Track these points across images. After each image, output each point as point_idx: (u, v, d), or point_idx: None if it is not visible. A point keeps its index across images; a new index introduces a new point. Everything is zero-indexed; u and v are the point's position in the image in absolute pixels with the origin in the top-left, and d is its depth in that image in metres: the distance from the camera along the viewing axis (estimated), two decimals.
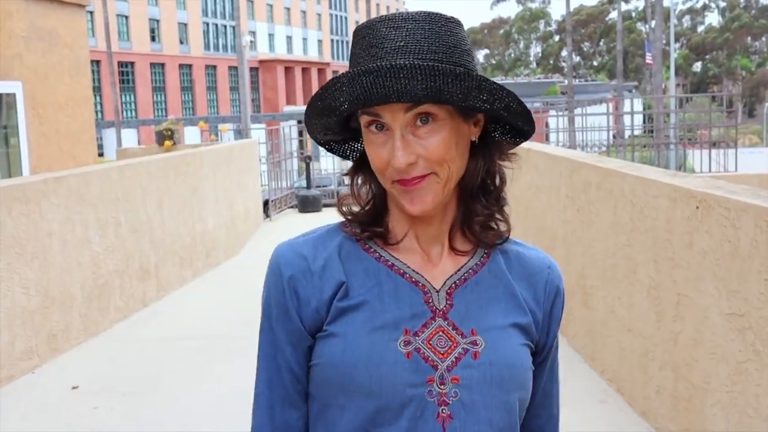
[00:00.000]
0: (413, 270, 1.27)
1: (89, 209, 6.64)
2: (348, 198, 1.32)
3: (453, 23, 1.22)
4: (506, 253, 1.33)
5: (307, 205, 14.68)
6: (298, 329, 1.26)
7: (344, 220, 1.32)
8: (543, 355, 1.35)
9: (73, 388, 5.45)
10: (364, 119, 1.21)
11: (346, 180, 1.35)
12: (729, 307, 3.40)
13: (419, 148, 1.18)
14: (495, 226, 1.30)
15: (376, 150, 1.21)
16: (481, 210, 1.28)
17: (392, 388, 1.20)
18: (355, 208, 1.30)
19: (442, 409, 1.21)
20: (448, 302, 1.25)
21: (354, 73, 1.15)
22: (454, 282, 1.27)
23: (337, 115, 1.24)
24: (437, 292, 1.26)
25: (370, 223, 1.29)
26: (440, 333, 1.23)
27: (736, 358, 3.35)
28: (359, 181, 1.30)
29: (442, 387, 1.21)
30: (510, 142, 1.31)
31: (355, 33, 1.24)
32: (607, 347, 5.05)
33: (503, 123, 1.29)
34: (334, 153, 1.37)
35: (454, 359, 1.22)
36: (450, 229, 1.29)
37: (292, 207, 15.15)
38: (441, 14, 1.22)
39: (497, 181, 1.29)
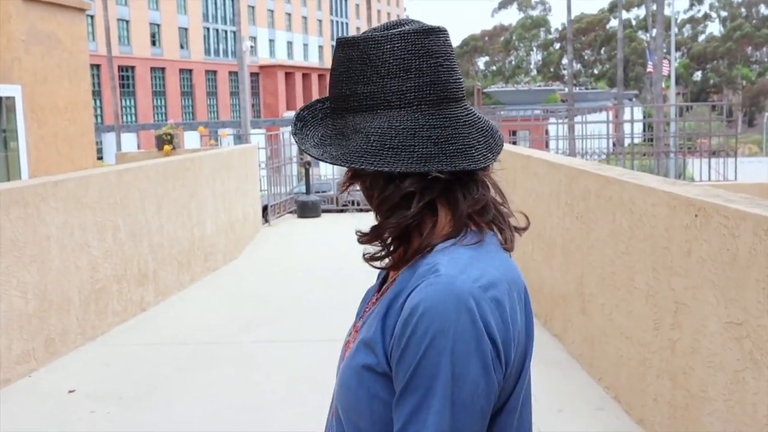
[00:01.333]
0: (377, 286, 1.39)
1: (88, 213, 6.64)
2: None
3: (348, 46, 1.25)
4: (405, 273, 1.23)
5: (306, 210, 14.67)
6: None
7: None
8: (397, 388, 1.14)
9: (70, 392, 5.43)
10: None
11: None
12: (727, 315, 3.40)
13: None
14: (385, 244, 1.27)
15: None
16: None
17: None
18: None
19: (334, 402, 1.30)
20: (363, 318, 1.34)
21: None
22: (380, 295, 1.32)
23: None
24: (367, 305, 1.37)
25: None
26: (351, 336, 1.34)
27: (734, 366, 3.34)
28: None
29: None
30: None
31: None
32: (605, 355, 5.05)
33: None
34: None
35: (339, 364, 1.34)
36: (384, 246, 1.31)
37: (291, 212, 15.13)
38: (340, 40, 1.27)
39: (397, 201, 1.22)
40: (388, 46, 1.21)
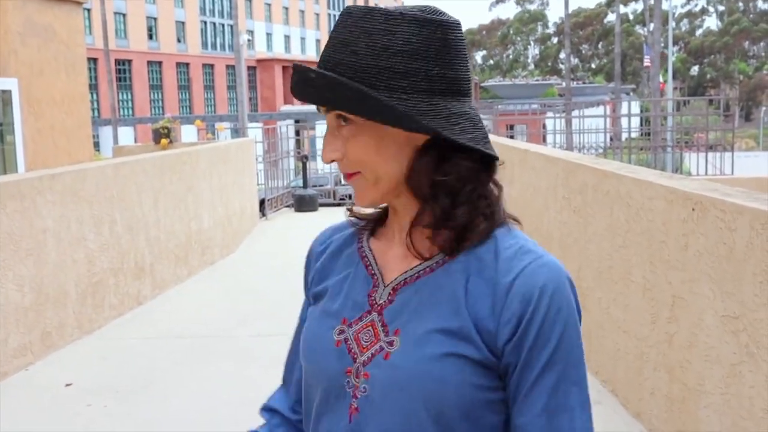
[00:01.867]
0: (376, 263, 1.30)
1: (84, 206, 6.63)
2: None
3: (395, 20, 1.17)
4: (477, 257, 1.22)
5: (303, 204, 14.67)
6: (307, 297, 1.41)
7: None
8: (515, 375, 1.17)
9: (67, 385, 5.43)
10: None
11: (342, 180, 1.42)
12: (724, 309, 3.40)
13: (342, 148, 1.22)
14: (454, 228, 1.22)
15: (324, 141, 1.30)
16: (431, 213, 1.23)
17: (321, 371, 1.28)
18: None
19: (353, 401, 1.23)
20: (389, 298, 1.25)
21: (295, 67, 1.22)
22: (404, 279, 1.25)
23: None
24: (384, 287, 1.27)
25: (361, 222, 1.37)
26: (369, 328, 1.24)
27: (730, 360, 3.34)
28: None
29: (356, 380, 1.23)
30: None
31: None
32: (602, 348, 5.05)
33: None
34: None
35: (370, 355, 1.23)
36: (410, 231, 1.26)
37: (288, 206, 15.13)
38: (384, 11, 1.18)
39: (457, 183, 1.21)
40: (459, 33, 1.22)
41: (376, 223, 1.35)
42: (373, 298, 1.27)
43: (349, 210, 1.36)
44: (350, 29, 1.18)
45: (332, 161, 1.22)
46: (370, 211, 1.34)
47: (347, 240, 1.37)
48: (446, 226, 1.22)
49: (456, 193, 1.21)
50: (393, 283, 1.26)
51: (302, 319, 1.41)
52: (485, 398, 1.18)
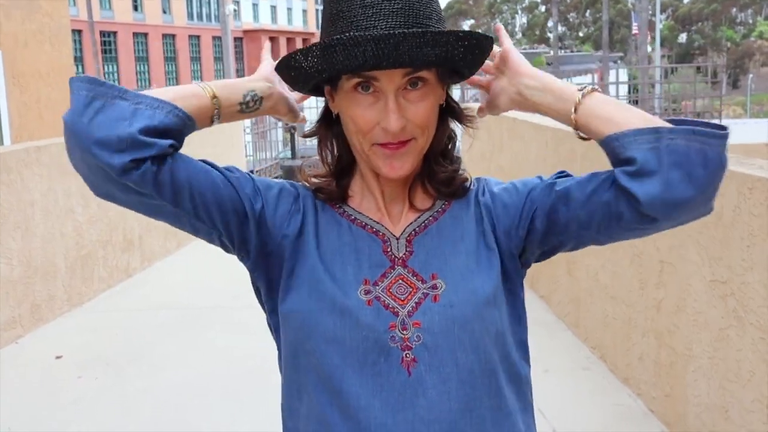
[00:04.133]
0: (374, 221, 1.31)
1: (72, 179, 6.59)
2: (309, 170, 1.39)
3: None
4: (476, 194, 1.37)
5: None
6: (255, 212, 1.31)
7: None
8: (541, 209, 1.33)
9: (57, 358, 5.43)
10: (350, 81, 1.22)
11: None
12: (711, 274, 3.42)
13: (409, 113, 1.21)
14: (454, 184, 1.34)
15: (363, 111, 1.22)
16: (442, 170, 1.32)
17: (355, 335, 1.24)
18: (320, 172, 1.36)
19: (406, 354, 1.24)
20: (408, 249, 1.29)
21: (367, 40, 1.13)
22: (414, 230, 1.31)
23: (340, 74, 1.23)
24: (397, 240, 1.30)
25: (333, 186, 1.35)
26: (400, 281, 1.27)
27: (718, 324, 3.37)
28: (330, 145, 1.35)
29: (404, 332, 1.24)
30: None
31: None
32: (590, 315, 5.08)
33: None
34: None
35: (414, 305, 1.25)
36: (412, 192, 1.33)
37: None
38: None
39: (451, 141, 1.35)
40: None
41: (338, 195, 1.35)
42: (390, 253, 1.28)
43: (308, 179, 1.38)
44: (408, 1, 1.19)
45: (402, 128, 1.21)
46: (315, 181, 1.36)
47: (311, 208, 1.35)
48: (449, 182, 1.33)
49: (452, 155, 1.35)
50: (405, 235, 1.30)
51: (226, 170, 1.36)
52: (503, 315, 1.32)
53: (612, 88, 20.06)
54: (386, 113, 1.20)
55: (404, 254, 1.29)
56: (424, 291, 1.26)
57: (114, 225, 7.31)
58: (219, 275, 7.68)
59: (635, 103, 21.09)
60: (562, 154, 5.63)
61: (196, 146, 7.70)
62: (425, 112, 1.22)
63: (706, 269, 3.47)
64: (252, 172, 13.52)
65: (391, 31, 1.14)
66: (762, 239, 3.03)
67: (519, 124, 6.92)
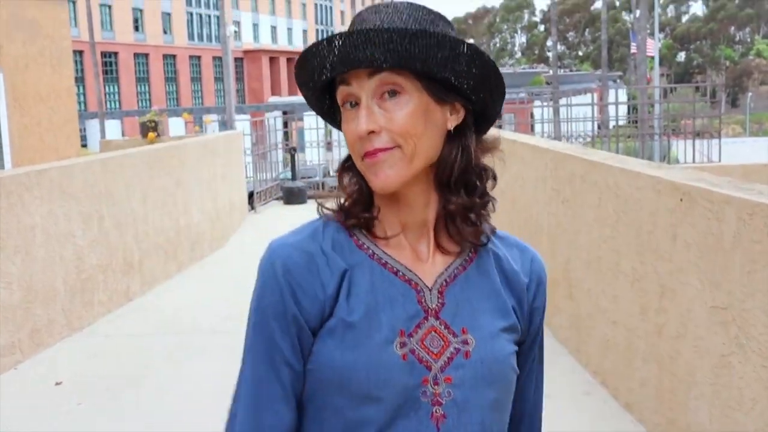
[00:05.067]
0: (406, 267, 1.27)
1: (72, 203, 6.59)
2: (328, 199, 1.33)
3: (435, 15, 1.25)
4: (491, 251, 1.33)
5: (292, 196, 14.64)
6: (300, 324, 1.23)
7: (327, 214, 1.32)
8: (527, 344, 1.37)
9: (57, 383, 5.41)
10: (340, 95, 1.24)
11: (332, 171, 1.39)
12: (712, 299, 3.41)
13: (383, 119, 1.20)
14: (475, 222, 1.29)
15: (348, 126, 1.23)
16: (459, 203, 1.26)
17: (389, 390, 1.21)
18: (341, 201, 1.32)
19: (436, 409, 1.22)
20: (440, 301, 1.26)
21: (323, 42, 1.20)
22: (445, 280, 1.28)
23: (313, 85, 1.27)
24: (429, 290, 1.26)
25: (360, 211, 1.29)
26: (433, 333, 1.24)
27: (720, 350, 3.36)
28: (346, 180, 1.31)
29: (435, 387, 1.22)
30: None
31: (351, 21, 1.28)
32: (591, 339, 5.07)
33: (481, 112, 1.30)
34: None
35: (446, 359, 1.23)
36: (435, 225, 1.29)
37: (277, 199, 15.10)
38: (427, 7, 1.26)
39: (478, 175, 1.28)
40: None
41: (369, 219, 1.29)
42: (424, 303, 1.25)
43: (325, 207, 1.33)
44: (392, 16, 1.22)
45: (371, 132, 1.20)
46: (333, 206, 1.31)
47: (337, 245, 1.27)
48: (471, 220, 1.28)
49: (482, 191, 1.29)
50: (437, 285, 1.27)
51: (277, 349, 1.24)
52: (517, 370, 1.34)
53: (611, 108, 20.12)
54: (357, 119, 1.20)
55: (437, 305, 1.26)
56: (456, 345, 1.24)
57: (114, 248, 7.30)
58: (219, 299, 7.67)
59: (635, 123, 21.13)
60: (562, 177, 5.64)
61: (196, 168, 7.67)
62: (403, 119, 1.19)
63: (707, 295, 3.46)
64: (252, 193, 13.52)
65: (357, 31, 1.18)
66: (763, 266, 3.02)
67: (518, 146, 6.93)
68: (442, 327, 1.25)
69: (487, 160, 1.32)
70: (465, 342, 1.24)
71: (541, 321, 1.40)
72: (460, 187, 1.27)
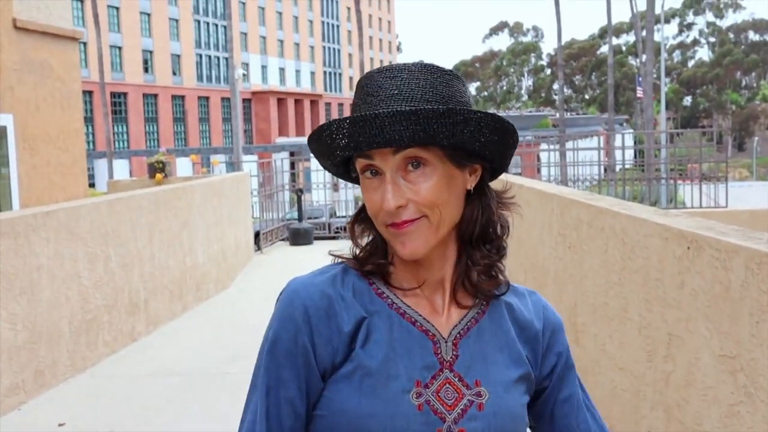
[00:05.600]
0: (424, 318, 1.29)
1: (79, 243, 6.61)
2: (344, 253, 1.35)
3: (449, 75, 1.26)
4: (503, 301, 1.36)
5: (298, 237, 14.66)
6: (311, 367, 1.24)
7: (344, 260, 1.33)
8: (549, 390, 1.38)
9: (60, 425, 5.38)
10: (359, 164, 1.24)
11: (338, 212, 1.40)
12: (721, 348, 3.39)
13: (409, 192, 1.21)
14: (494, 275, 1.33)
15: (371, 195, 1.24)
16: (480, 258, 1.30)
17: None
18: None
19: None
20: (454, 353, 1.28)
21: (345, 121, 1.19)
22: (459, 332, 1.30)
23: (332, 159, 1.27)
24: (445, 342, 1.28)
25: (376, 258, 1.31)
26: (447, 385, 1.26)
27: (728, 400, 3.32)
28: (359, 231, 1.33)
29: None
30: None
31: (357, 84, 1.28)
32: (598, 386, 5.02)
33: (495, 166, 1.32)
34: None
35: (460, 411, 1.25)
36: (455, 279, 1.31)
37: (283, 239, 15.11)
38: (439, 67, 1.26)
39: (498, 230, 1.32)
40: None
41: (385, 267, 1.30)
42: (440, 355, 1.27)
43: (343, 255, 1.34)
44: (409, 82, 1.22)
45: (399, 207, 1.20)
46: (347, 255, 1.32)
47: (357, 292, 1.28)
48: (489, 274, 1.32)
49: (499, 245, 1.33)
50: (451, 337, 1.29)
51: (283, 387, 1.25)
52: (527, 422, 1.36)
53: (618, 152, 20.18)
54: (383, 194, 1.21)
55: (451, 357, 1.27)
56: (470, 398, 1.26)
57: (120, 289, 7.30)
58: (224, 340, 7.65)
59: (642, 167, 21.17)
60: (568, 222, 5.64)
61: (202, 209, 7.71)
62: (427, 191, 1.21)
63: (715, 343, 3.43)
64: (258, 233, 13.54)
65: (371, 112, 1.18)
66: None
67: (525, 191, 6.95)
68: (456, 379, 1.26)
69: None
70: (478, 394, 1.26)
71: (567, 365, 1.41)
72: (480, 242, 1.30)
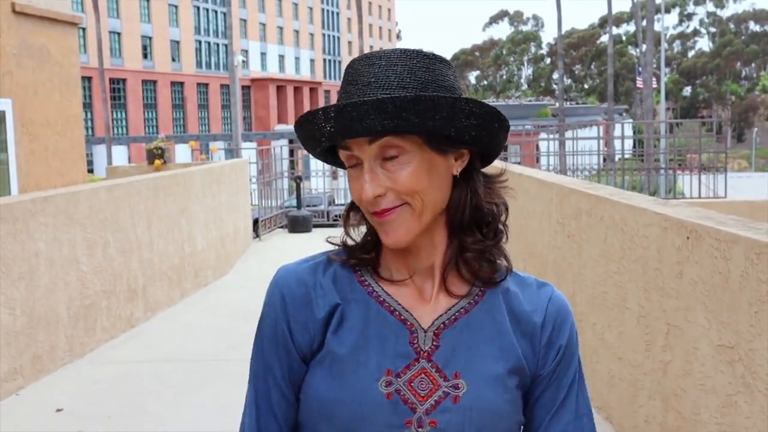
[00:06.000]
0: (403, 308, 1.27)
1: (77, 229, 6.60)
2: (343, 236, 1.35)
3: (430, 59, 1.24)
4: (504, 291, 1.31)
5: (297, 225, 14.65)
6: (291, 352, 1.27)
7: (336, 249, 1.33)
8: (543, 385, 1.30)
9: (58, 410, 5.39)
10: (341, 155, 1.25)
11: (337, 200, 1.39)
12: (719, 338, 3.39)
13: (387, 181, 1.20)
14: (491, 260, 1.29)
15: (353, 184, 1.24)
16: (472, 243, 1.26)
17: (371, 427, 1.22)
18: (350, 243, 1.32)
19: None
20: (435, 343, 1.25)
21: (319, 112, 1.20)
22: (443, 322, 1.26)
23: (316, 148, 1.28)
24: (425, 332, 1.26)
25: (362, 253, 1.30)
26: (422, 375, 1.24)
27: (726, 390, 3.33)
28: (355, 219, 1.32)
29: (419, 429, 1.22)
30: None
31: (345, 70, 1.28)
32: (596, 375, 5.03)
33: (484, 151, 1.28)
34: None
35: (433, 402, 1.22)
36: (445, 266, 1.28)
37: (281, 227, 15.10)
38: (420, 51, 1.24)
39: (492, 214, 1.28)
40: None
41: (371, 261, 1.30)
42: (416, 345, 1.25)
43: (342, 243, 1.33)
44: (386, 69, 1.21)
45: (378, 197, 1.20)
46: (349, 242, 1.31)
47: (338, 280, 1.29)
48: (485, 259, 1.28)
49: (495, 229, 1.29)
50: (433, 327, 1.26)
51: (270, 372, 1.29)
52: (519, 419, 1.29)
53: (617, 142, 20.16)
54: (362, 183, 1.21)
55: (430, 348, 1.25)
56: (445, 389, 1.23)
57: (118, 275, 7.30)
58: (221, 327, 7.65)
59: (641, 157, 21.16)
60: (568, 211, 5.63)
61: (201, 195, 7.71)
62: (404, 179, 1.19)
63: (714, 333, 3.44)
64: (257, 221, 13.52)
65: (348, 101, 1.17)
66: None
67: (524, 179, 6.94)
68: (433, 370, 1.24)
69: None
70: (456, 387, 1.23)
71: (565, 361, 1.31)
72: (473, 227, 1.27)
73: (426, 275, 1.28)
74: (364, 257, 1.29)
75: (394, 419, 1.22)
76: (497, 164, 1.37)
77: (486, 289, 1.29)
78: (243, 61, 33.93)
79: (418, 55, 1.23)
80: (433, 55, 1.25)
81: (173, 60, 69.08)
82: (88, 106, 54.84)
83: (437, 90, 1.21)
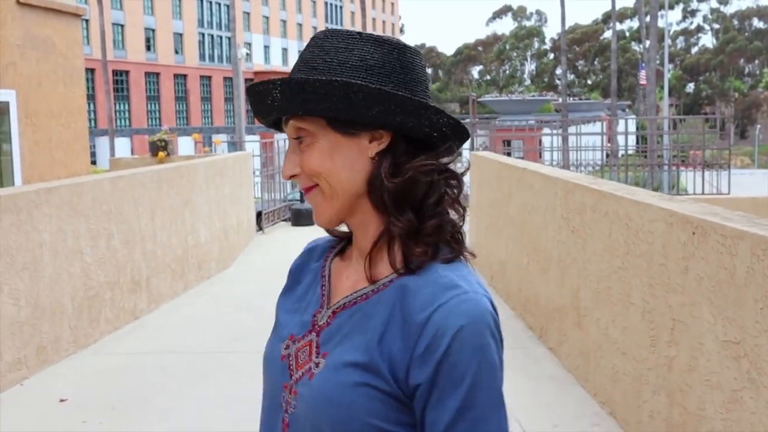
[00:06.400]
0: (330, 282, 1.35)
1: (81, 220, 6.60)
2: None
3: (352, 39, 1.23)
4: (407, 284, 1.21)
5: (300, 218, 14.65)
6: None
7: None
8: (422, 400, 1.16)
9: (62, 400, 5.40)
10: None
11: None
12: (724, 334, 3.39)
13: (299, 161, 1.25)
14: (426, 244, 1.22)
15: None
16: (392, 225, 1.23)
17: (269, 384, 1.34)
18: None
19: (285, 416, 1.28)
20: (329, 320, 1.29)
21: (248, 87, 1.31)
22: (344, 303, 1.28)
23: (264, 121, 1.35)
24: (327, 309, 1.31)
25: (340, 231, 1.38)
26: (307, 347, 1.29)
27: (731, 385, 3.33)
28: None
29: (289, 395, 1.28)
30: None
31: None
32: (600, 370, 5.03)
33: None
34: None
35: (301, 374, 1.27)
36: (371, 249, 1.26)
37: (285, 220, 15.10)
38: (347, 30, 1.25)
39: (425, 193, 1.23)
40: (418, 59, 1.31)
41: (346, 243, 1.38)
42: (316, 318, 1.31)
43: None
44: (311, 49, 1.25)
45: (291, 177, 1.27)
46: (345, 228, 1.34)
47: (316, 257, 1.42)
48: (424, 241, 1.22)
49: (419, 205, 1.23)
50: (334, 306, 1.30)
51: None
52: (391, 431, 1.18)
53: (621, 138, 20.13)
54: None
55: (324, 323, 1.29)
56: (311, 365, 1.26)
57: (122, 266, 7.30)
58: (225, 319, 7.66)
59: (644, 153, 21.14)
60: (572, 206, 5.63)
61: (205, 188, 7.70)
62: (308, 160, 1.23)
63: (719, 329, 3.44)
64: (260, 213, 13.52)
65: (255, 84, 1.25)
66: None
67: (528, 174, 6.94)
68: (315, 345, 1.28)
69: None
70: (317, 365, 1.25)
71: (448, 378, 1.14)
72: (403, 208, 1.22)
73: (362, 255, 1.29)
74: (342, 233, 1.38)
75: (280, 379, 1.30)
76: (465, 153, 1.34)
77: (397, 278, 1.23)
78: (246, 54, 33.88)
79: (342, 34, 1.25)
80: (382, 39, 1.24)
81: (176, 52, 69.03)
82: (90, 97, 54.81)
83: (368, 75, 1.20)
